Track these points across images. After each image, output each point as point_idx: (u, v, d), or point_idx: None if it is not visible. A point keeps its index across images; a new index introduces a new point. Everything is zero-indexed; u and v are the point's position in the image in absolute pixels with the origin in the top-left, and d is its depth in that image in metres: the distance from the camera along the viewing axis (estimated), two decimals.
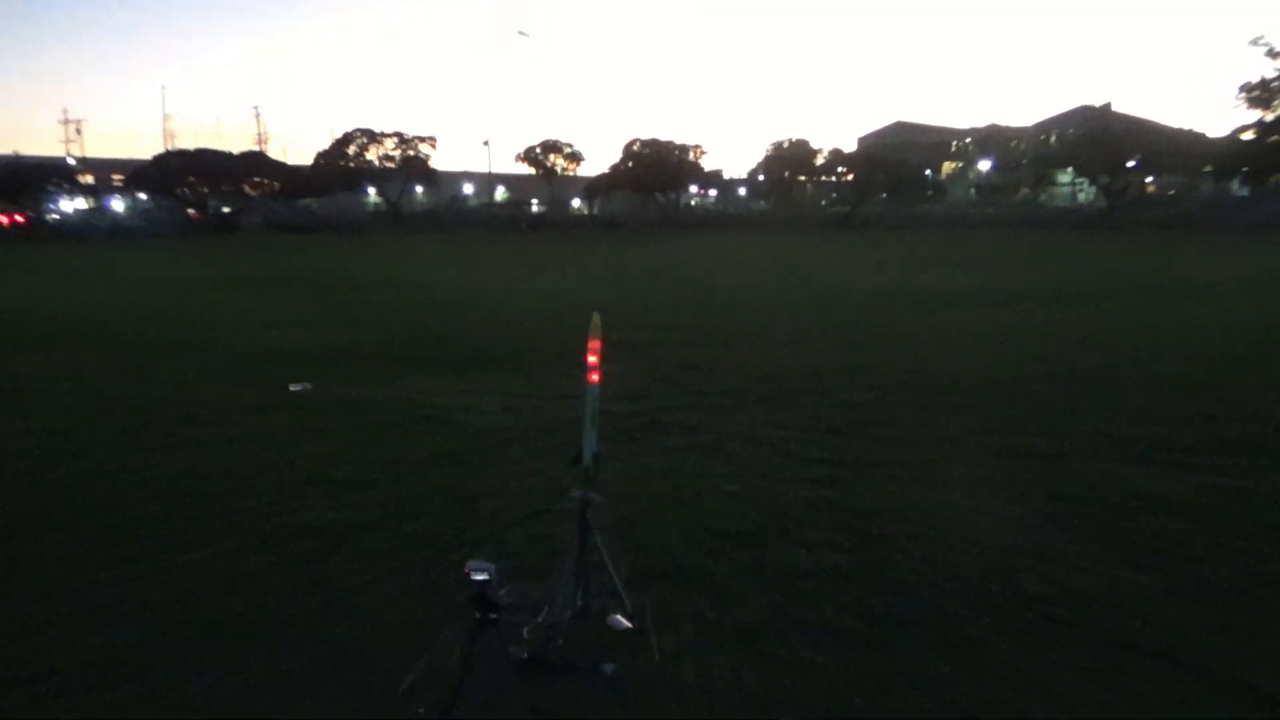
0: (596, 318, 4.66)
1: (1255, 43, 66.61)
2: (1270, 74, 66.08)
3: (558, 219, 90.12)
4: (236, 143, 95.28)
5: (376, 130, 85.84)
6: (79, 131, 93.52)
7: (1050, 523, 6.10)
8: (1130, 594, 4.98)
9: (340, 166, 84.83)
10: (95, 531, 6.06)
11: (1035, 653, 4.36)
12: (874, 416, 9.26)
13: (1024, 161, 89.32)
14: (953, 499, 6.60)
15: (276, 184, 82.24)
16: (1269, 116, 65.59)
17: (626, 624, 4.49)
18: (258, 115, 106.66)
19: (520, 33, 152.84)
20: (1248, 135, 66.37)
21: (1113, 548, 5.63)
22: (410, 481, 7.18)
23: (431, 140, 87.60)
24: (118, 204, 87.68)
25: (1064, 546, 5.67)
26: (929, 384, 10.82)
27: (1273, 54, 65.97)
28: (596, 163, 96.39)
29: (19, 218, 68.97)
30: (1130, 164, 71.49)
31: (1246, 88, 67.19)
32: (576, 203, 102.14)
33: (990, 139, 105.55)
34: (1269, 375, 10.89)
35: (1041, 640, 4.49)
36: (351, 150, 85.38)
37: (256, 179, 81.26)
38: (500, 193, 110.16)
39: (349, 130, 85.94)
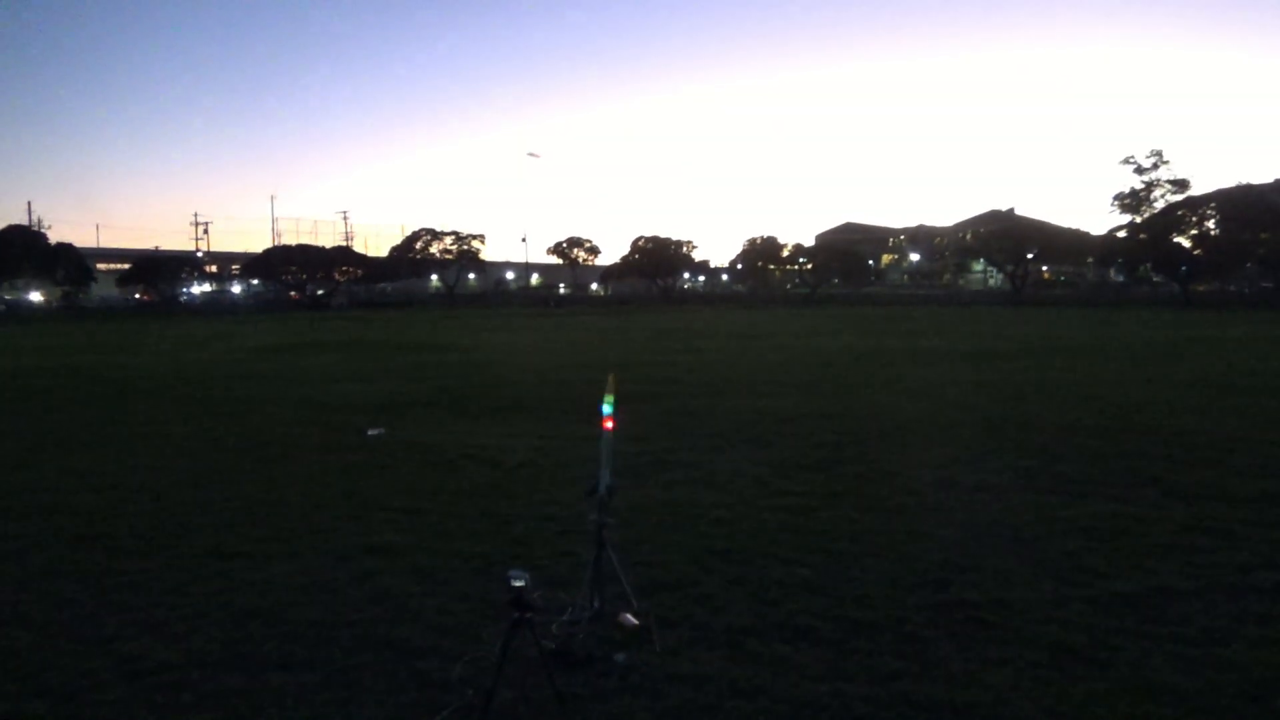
0: (612, 376, 4.63)
1: (1126, 162, 68.11)
2: (1138, 186, 67.25)
3: (580, 298, 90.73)
4: (328, 239, 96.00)
5: (438, 229, 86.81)
6: (206, 230, 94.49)
7: (976, 542, 5.93)
8: (1043, 602, 4.83)
9: (409, 258, 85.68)
10: (199, 551, 5.94)
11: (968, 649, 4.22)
12: (838, 455, 8.98)
13: (946, 253, 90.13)
14: (901, 524, 6.43)
15: (359, 271, 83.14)
16: (1137, 219, 66.47)
17: (634, 622, 4.40)
18: (345, 218, 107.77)
19: (530, 154, 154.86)
20: (1121, 234, 67.04)
21: (1029, 562, 5.48)
22: (457, 508, 6.99)
23: (481, 237, 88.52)
24: (235, 288, 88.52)
25: (990, 562, 5.51)
26: (880, 429, 10.57)
27: (1139, 171, 67.17)
28: (610, 254, 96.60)
29: (145, 297, 70.70)
30: (1030, 255, 71.88)
31: (1119, 197, 68.47)
32: (595, 285, 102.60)
33: (919, 235, 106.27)
34: (1150, 421, 10.74)
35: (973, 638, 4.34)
36: (418, 245, 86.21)
37: (344, 268, 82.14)
38: (535, 278, 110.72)
39: (416, 230, 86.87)
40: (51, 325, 48.99)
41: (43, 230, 71.98)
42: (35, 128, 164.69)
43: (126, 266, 76.43)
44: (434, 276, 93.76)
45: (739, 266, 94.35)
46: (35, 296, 71.45)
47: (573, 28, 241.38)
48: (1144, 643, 4.26)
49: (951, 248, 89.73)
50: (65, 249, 68.16)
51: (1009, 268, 72.44)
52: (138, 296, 73.19)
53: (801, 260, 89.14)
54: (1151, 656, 4.11)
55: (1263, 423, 10.55)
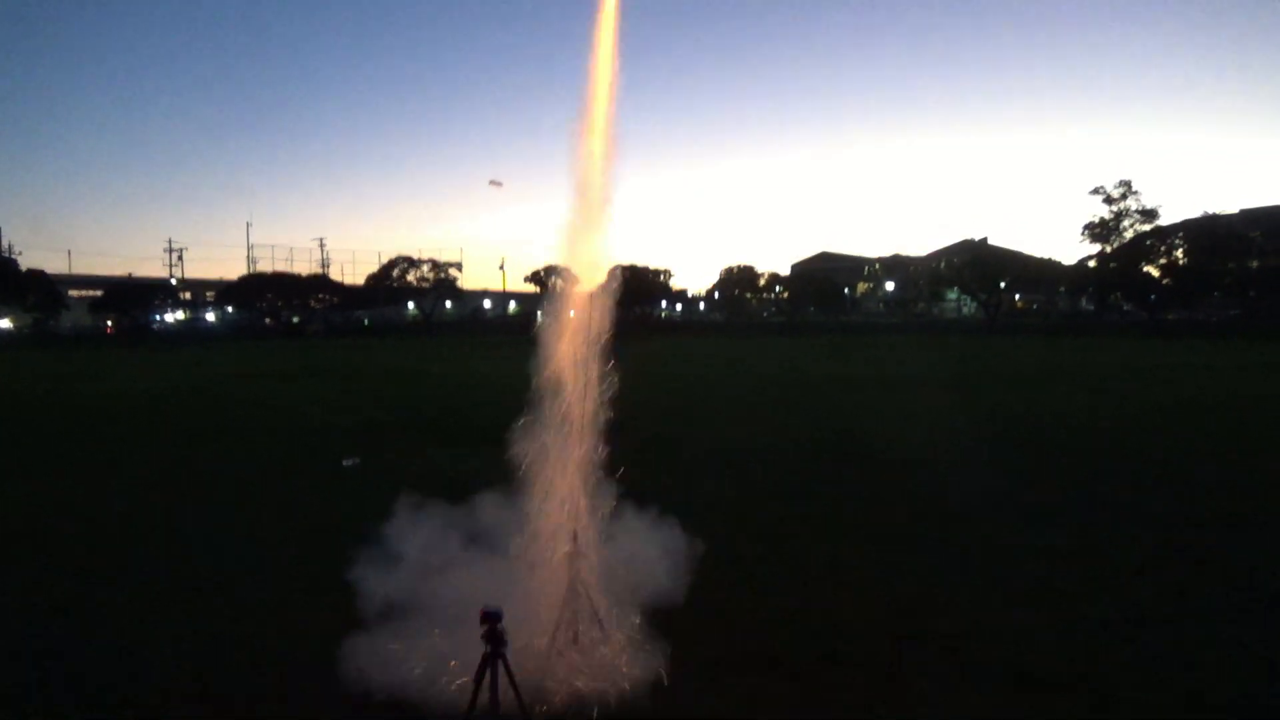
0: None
1: (1095, 192, 69.47)
2: (1107, 216, 68.67)
3: None
4: (305, 266, 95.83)
5: (415, 257, 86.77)
6: (180, 257, 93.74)
7: (949, 569, 5.98)
8: (1013, 629, 4.87)
9: (386, 286, 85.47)
10: (169, 579, 5.85)
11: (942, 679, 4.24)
12: (811, 483, 8.99)
13: (920, 282, 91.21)
14: (875, 553, 6.46)
15: (335, 299, 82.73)
16: (1107, 249, 67.81)
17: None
18: (321, 245, 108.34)
19: (492, 182, 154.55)
20: (1092, 263, 68.32)
21: (1000, 588, 5.53)
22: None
23: (458, 266, 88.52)
24: (210, 315, 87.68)
25: (963, 589, 5.55)
26: (855, 454, 10.61)
27: (1108, 201, 68.65)
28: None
29: (109, 330, 69.95)
30: (1003, 284, 73.04)
31: (1089, 227, 69.77)
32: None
33: (894, 265, 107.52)
34: (1120, 445, 10.89)
35: (946, 670, 4.36)
36: (395, 273, 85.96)
37: (320, 295, 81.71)
38: (512, 306, 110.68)
39: (393, 257, 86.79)
40: (21, 352, 48.08)
41: (13, 257, 71.18)
42: (4, 152, 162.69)
43: (99, 293, 75.60)
44: (411, 304, 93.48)
45: (716, 295, 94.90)
46: (4, 324, 70.49)
47: (549, 51, 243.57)
48: (1113, 668, 4.30)
49: (926, 277, 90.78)
50: (36, 276, 67.45)
51: (982, 296, 73.51)
52: (108, 324, 72.26)
53: (778, 289, 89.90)
54: (1120, 683, 4.15)
55: (1230, 447, 10.75)
